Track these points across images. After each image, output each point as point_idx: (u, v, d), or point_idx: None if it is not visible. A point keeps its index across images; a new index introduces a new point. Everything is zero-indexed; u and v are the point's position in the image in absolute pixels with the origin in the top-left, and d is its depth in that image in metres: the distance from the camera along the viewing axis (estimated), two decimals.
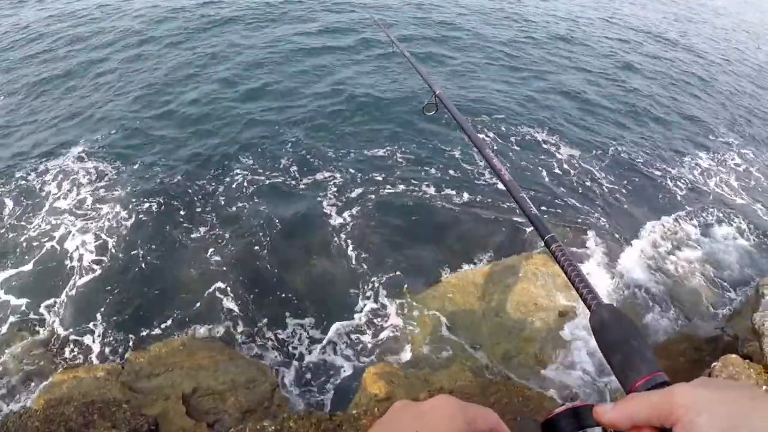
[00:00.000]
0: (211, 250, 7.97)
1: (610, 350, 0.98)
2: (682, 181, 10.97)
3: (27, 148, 10.57)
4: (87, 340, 6.65)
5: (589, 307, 1.11)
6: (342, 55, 15.20)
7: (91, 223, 8.41)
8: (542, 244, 1.45)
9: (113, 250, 7.95)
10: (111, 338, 6.68)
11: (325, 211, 8.74)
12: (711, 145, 12.77)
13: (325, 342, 6.74)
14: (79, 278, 7.50)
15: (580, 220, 9.20)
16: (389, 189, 9.42)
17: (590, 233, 8.91)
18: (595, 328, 1.05)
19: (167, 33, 16.31)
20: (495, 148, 10.98)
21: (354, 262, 7.90)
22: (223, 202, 8.94)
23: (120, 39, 15.78)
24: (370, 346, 6.66)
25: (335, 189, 9.28)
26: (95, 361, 6.19)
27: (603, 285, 7.81)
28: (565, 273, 1.24)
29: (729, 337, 6.04)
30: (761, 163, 12.44)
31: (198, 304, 7.14)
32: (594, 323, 1.06)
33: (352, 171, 9.80)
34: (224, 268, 7.68)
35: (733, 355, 4.73)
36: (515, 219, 8.87)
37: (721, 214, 10.05)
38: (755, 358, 4.79)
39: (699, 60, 19.31)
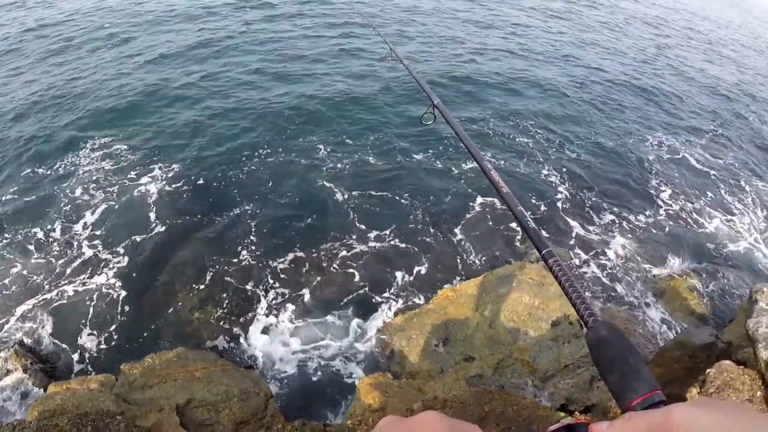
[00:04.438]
0: (205, 262, 7.94)
1: (607, 368, 0.98)
2: (676, 189, 11.04)
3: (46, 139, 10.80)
4: (80, 350, 6.61)
5: (585, 324, 1.10)
6: (341, 62, 15.29)
7: (87, 230, 8.38)
8: (538, 254, 1.45)
9: (106, 259, 7.91)
10: (104, 349, 6.64)
11: (322, 231, 8.73)
12: (707, 156, 12.85)
13: (319, 353, 6.72)
14: (72, 287, 7.45)
15: (575, 232, 9.23)
16: (384, 200, 9.42)
17: (584, 244, 8.95)
18: (592, 345, 1.05)
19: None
20: (493, 159, 11.04)
21: (348, 274, 7.89)
22: (222, 210, 8.93)
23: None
24: (364, 356, 6.65)
25: (330, 208, 9.25)
26: (89, 373, 6.14)
27: (597, 294, 7.83)
28: (562, 288, 1.24)
29: (723, 344, 6.04)
30: (755, 172, 12.52)
31: (191, 316, 7.11)
32: (591, 340, 1.06)
33: (347, 190, 9.79)
34: (217, 280, 7.66)
35: (728, 362, 4.74)
36: (511, 229, 8.90)
37: (714, 223, 10.11)
38: (749, 364, 4.79)
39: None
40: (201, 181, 9.65)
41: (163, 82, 13.33)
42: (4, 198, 9.10)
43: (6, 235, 8.30)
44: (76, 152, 10.37)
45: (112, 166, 9.97)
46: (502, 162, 11.09)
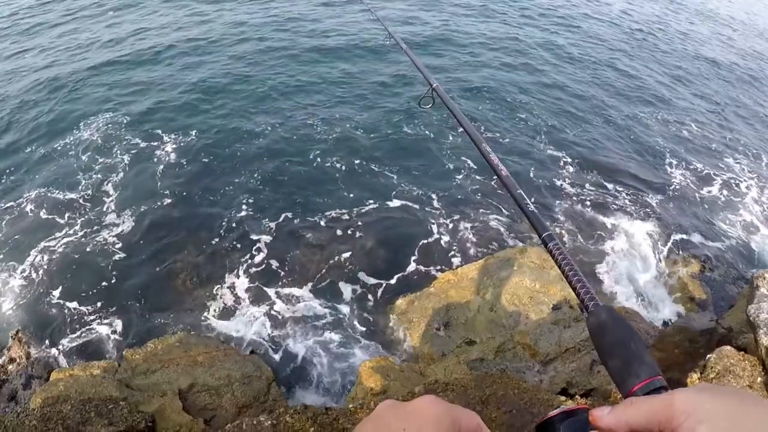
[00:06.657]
0: (205, 246, 7.95)
1: (608, 353, 0.96)
2: (677, 175, 10.96)
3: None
4: (82, 336, 6.63)
5: (586, 308, 1.09)
6: (338, 45, 15.20)
7: (85, 213, 8.38)
8: (538, 238, 1.43)
9: (108, 242, 7.92)
10: (106, 335, 6.66)
11: (319, 215, 8.69)
12: (711, 144, 12.67)
13: (320, 336, 6.74)
14: (74, 272, 7.47)
15: (575, 215, 9.21)
16: (384, 188, 9.39)
17: (582, 226, 8.93)
18: (593, 330, 1.03)
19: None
20: (493, 137, 10.99)
21: (349, 257, 7.89)
22: (224, 196, 8.93)
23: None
24: (365, 340, 6.68)
25: (326, 198, 9.14)
26: (91, 359, 6.17)
27: (597, 279, 7.84)
28: (562, 272, 1.23)
29: (724, 330, 6.05)
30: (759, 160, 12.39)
31: (193, 300, 7.13)
32: (591, 325, 1.04)
33: (347, 166, 9.79)
34: (219, 263, 7.68)
35: (728, 347, 4.73)
36: (512, 211, 8.88)
37: (716, 208, 10.07)
38: (750, 350, 4.79)
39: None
40: (201, 156, 9.73)
41: (165, 60, 13.52)
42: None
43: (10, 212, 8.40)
44: (81, 126, 10.62)
45: (113, 140, 10.13)
46: (507, 140, 11.05)
